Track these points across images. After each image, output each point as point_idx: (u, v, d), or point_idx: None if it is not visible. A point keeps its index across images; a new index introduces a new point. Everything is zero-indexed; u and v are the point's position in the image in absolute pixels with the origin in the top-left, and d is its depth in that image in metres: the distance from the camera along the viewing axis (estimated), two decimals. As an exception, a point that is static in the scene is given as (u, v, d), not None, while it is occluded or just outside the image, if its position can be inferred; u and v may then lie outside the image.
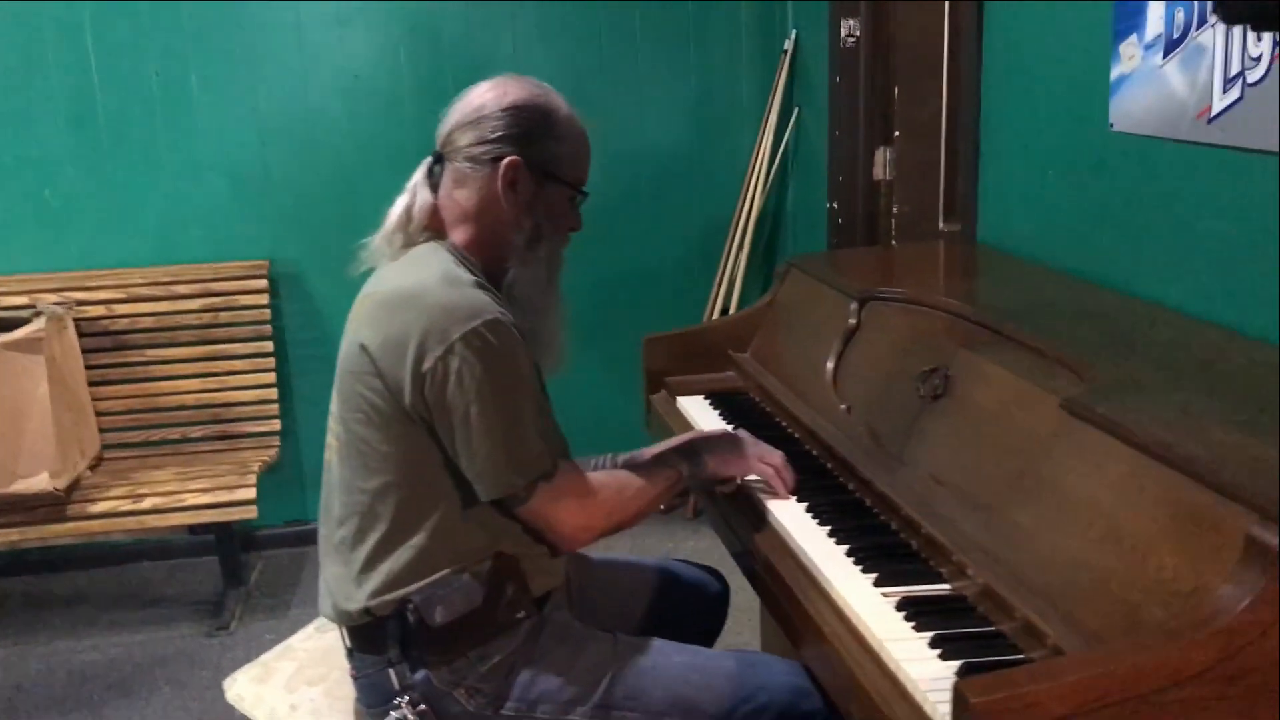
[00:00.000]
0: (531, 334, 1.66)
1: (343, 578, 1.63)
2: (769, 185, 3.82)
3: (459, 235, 1.68)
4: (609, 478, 1.72)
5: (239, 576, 3.53)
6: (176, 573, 3.77)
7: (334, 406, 1.65)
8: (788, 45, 3.72)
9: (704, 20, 3.85)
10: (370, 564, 1.60)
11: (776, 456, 1.83)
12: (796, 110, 3.75)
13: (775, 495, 1.80)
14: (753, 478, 1.85)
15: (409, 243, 1.68)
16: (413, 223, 1.68)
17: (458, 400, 1.52)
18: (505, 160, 1.63)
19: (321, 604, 1.70)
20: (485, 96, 1.66)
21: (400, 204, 1.70)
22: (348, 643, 1.67)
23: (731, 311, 3.74)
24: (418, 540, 1.58)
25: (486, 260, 1.68)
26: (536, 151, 1.66)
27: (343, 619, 1.64)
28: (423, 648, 1.58)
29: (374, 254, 1.71)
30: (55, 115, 3.49)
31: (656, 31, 3.81)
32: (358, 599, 1.60)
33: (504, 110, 1.64)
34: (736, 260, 3.84)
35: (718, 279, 3.89)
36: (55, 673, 3.14)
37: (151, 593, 3.65)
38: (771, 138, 3.78)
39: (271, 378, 3.60)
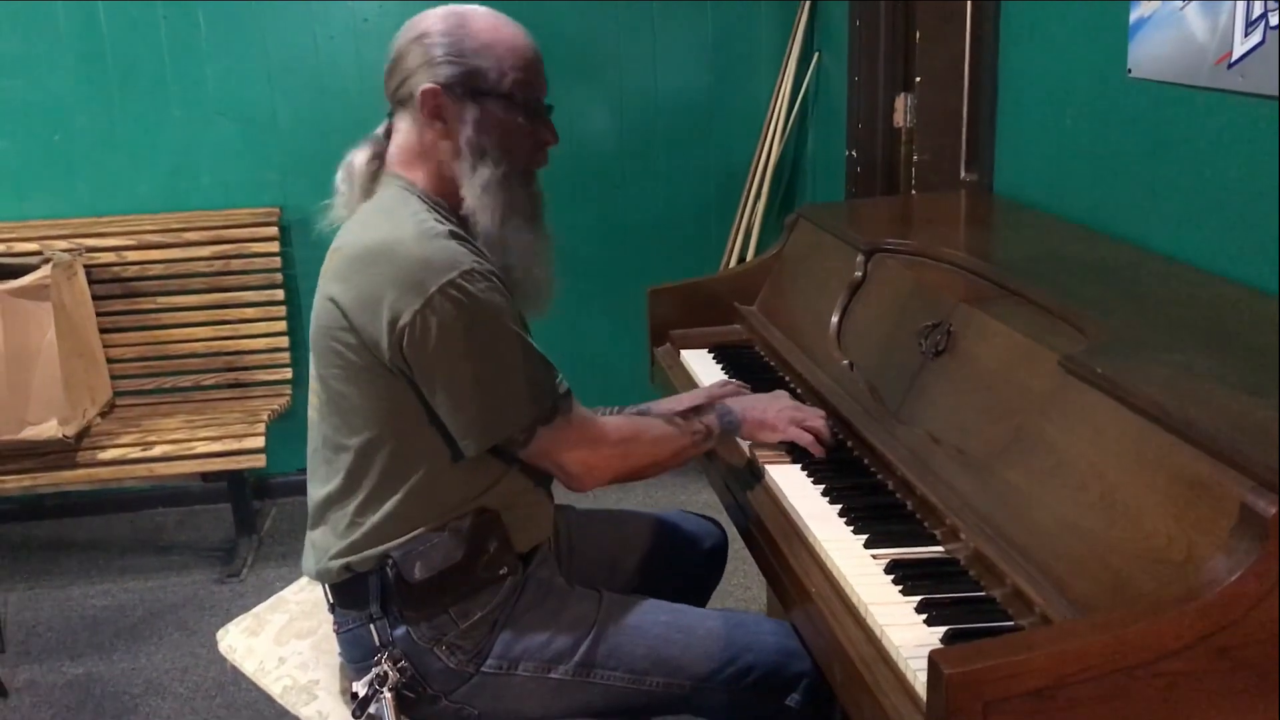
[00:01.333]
0: (507, 270, 1.59)
1: (326, 534, 1.61)
2: (788, 132, 3.74)
3: (419, 178, 1.61)
4: (624, 421, 1.67)
5: (251, 524, 3.54)
6: (190, 519, 3.80)
7: (311, 363, 1.62)
8: (808, -12, 3.62)
9: (721, -38, 3.75)
10: (353, 520, 1.57)
11: (818, 420, 1.76)
12: (817, 55, 3.66)
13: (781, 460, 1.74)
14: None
15: (364, 193, 1.64)
16: (360, 171, 1.65)
17: (441, 354, 1.47)
18: (419, 90, 1.56)
19: (305, 561, 1.68)
20: (401, 38, 1.61)
21: (352, 154, 1.67)
22: (330, 598, 1.65)
23: (748, 261, 3.67)
24: (400, 495, 1.55)
25: (449, 198, 1.61)
26: (452, 72, 1.56)
27: (323, 576, 1.62)
28: (402, 604, 1.56)
29: (340, 208, 1.67)
30: (64, 61, 3.46)
31: (673, -26, 3.72)
32: (338, 556, 1.58)
33: (412, 42, 1.58)
34: (754, 209, 3.77)
35: (735, 228, 3.82)
36: (69, 617, 3.17)
37: (165, 539, 3.67)
38: (791, 83, 3.69)
39: (282, 326, 3.58)
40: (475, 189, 1.58)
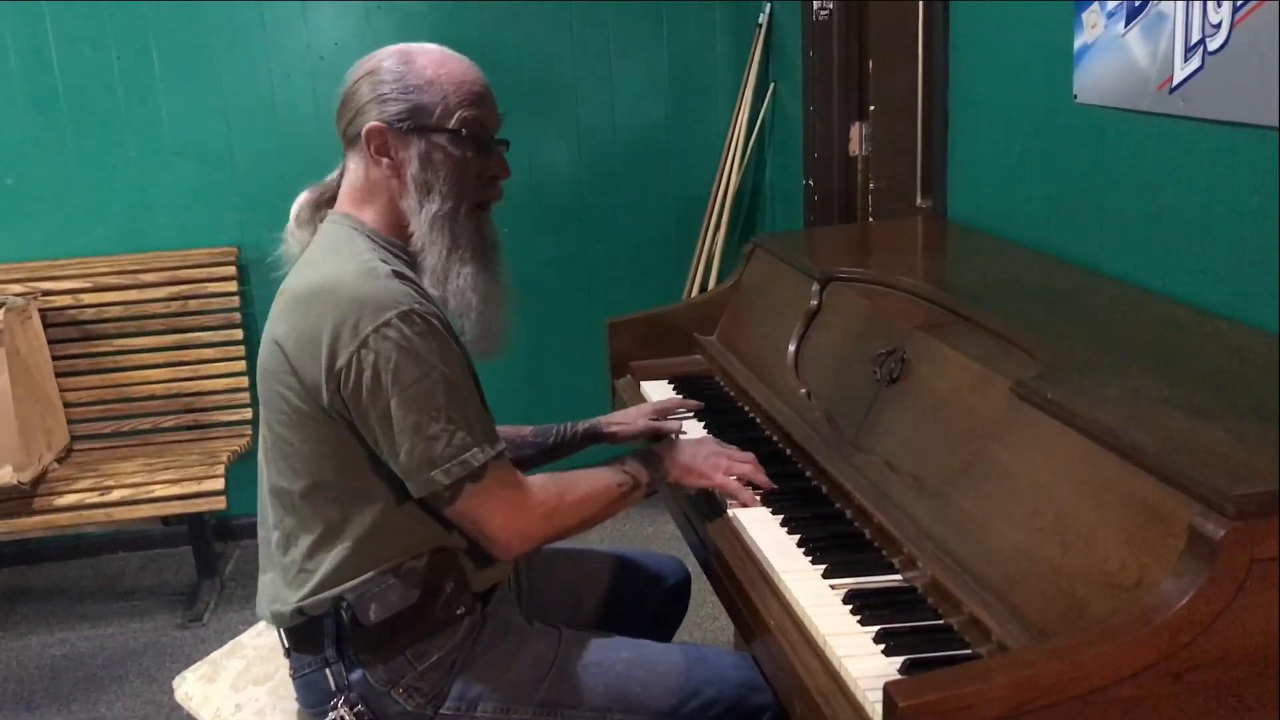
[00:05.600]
0: (460, 313, 1.58)
1: (276, 581, 1.59)
2: (746, 162, 3.75)
3: (368, 216, 1.60)
4: (551, 480, 1.59)
5: (213, 567, 3.49)
6: (151, 564, 3.74)
7: (259, 407, 1.60)
8: (762, 19, 3.65)
9: (676, -6, 3.78)
10: (303, 565, 1.55)
11: (747, 465, 1.72)
12: (773, 85, 3.69)
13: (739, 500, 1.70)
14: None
15: (313, 231, 1.64)
16: (314, 210, 1.65)
17: (375, 397, 1.45)
18: (364, 129, 1.56)
19: (259, 607, 1.65)
20: (350, 77, 1.60)
21: (304, 193, 1.67)
22: (285, 642, 1.63)
23: (707, 291, 3.68)
24: (350, 539, 1.53)
25: (397, 236, 1.60)
26: (397, 109, 1.55)
27: (278, 620, 1.59)
28: (358, 647, 1.53)
29: (291, 248, 1.66)
30: (16, 101, 3.43)
31: (627, 5, 3.73)
32: (291, 600, 1.55)
33: (357, 81, 1.58)
34: (714, 238, 3.78)
35: (695, 257, 3.83)
36: (26, 667, 3.11)
37: (126, 584, 3.62)
38: (748, 113, 3.71)
39: (242, 365, 3.55)
40: (423, 225, 1.56)
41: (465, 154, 1.59)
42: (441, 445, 1.47)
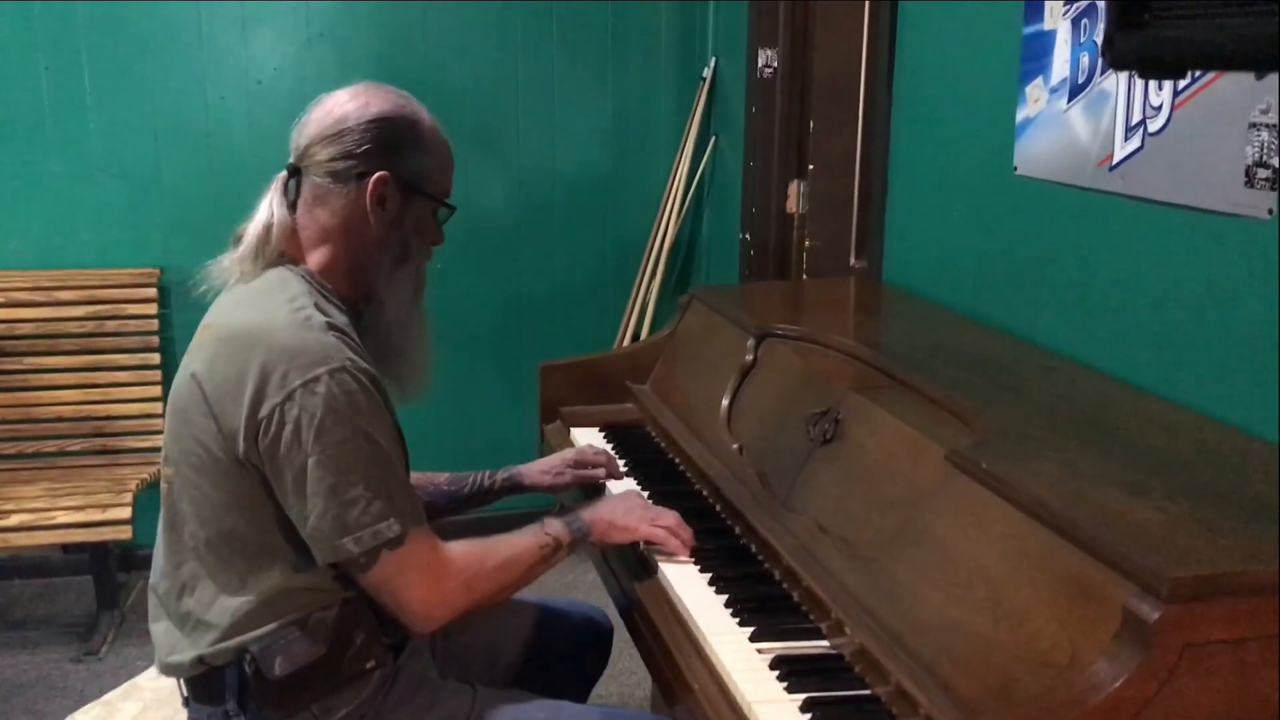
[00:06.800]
0: (398, 355, 1.56)
1: (171, 630, 1.51)
2: (684, 212, 3.76)
3: (316, 258, 1.56)
4: (469, 547, 1.52)
5: (114, 599, 3.35)
6: (48, 593, 3.58)
7: (166, 443, 1.53)
8: (707, 73, 3.67)
9: (622, 42, 3.78)
10: (201, 616, 1.48)
11: (669, 518, 1.68)
12: (714, 138, 3.70)
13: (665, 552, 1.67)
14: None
15: (266, 265, 1.54)
16: (271, 243, 1.54)
17: (293, 452, 1.39)
18: (374, 176, 1.53)
19: (157, 658, 1.57)
20: (346, 107, 1.55)
21: (259, 222, 1.55)
22: (184, 691, 1.55)
23: (641, 340, 3.66)
24: (253, 593, 1.46)
25: (346, 285, 1.57)
26: (403, 165, 1.55)
27: (174, 671, 1.52)
28: (261, 700, 1.46)
29: (223, 275, 1.57)
30: (-64, 108, 3.31)
31: (573, 50, 3.73)
32: (189, 650, 1.48)
33: (369, 122, 1.53)
34: (649, 287, 3.77)
35: (630, 305, 3.81)
36: (-95, 698, 2.95)
37: (19, 613, 3.45)
38: (688, 165, 3.72)
39: (157, 391, 3.43)
40: (393, 279, 1.57)
41: (437, 220, 1.63)
42: (356, 512, 1.41)
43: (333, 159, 1.53)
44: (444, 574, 1.48)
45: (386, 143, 1.53)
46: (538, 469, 1.98)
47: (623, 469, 2.05)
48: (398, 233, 1.57)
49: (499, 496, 1.98)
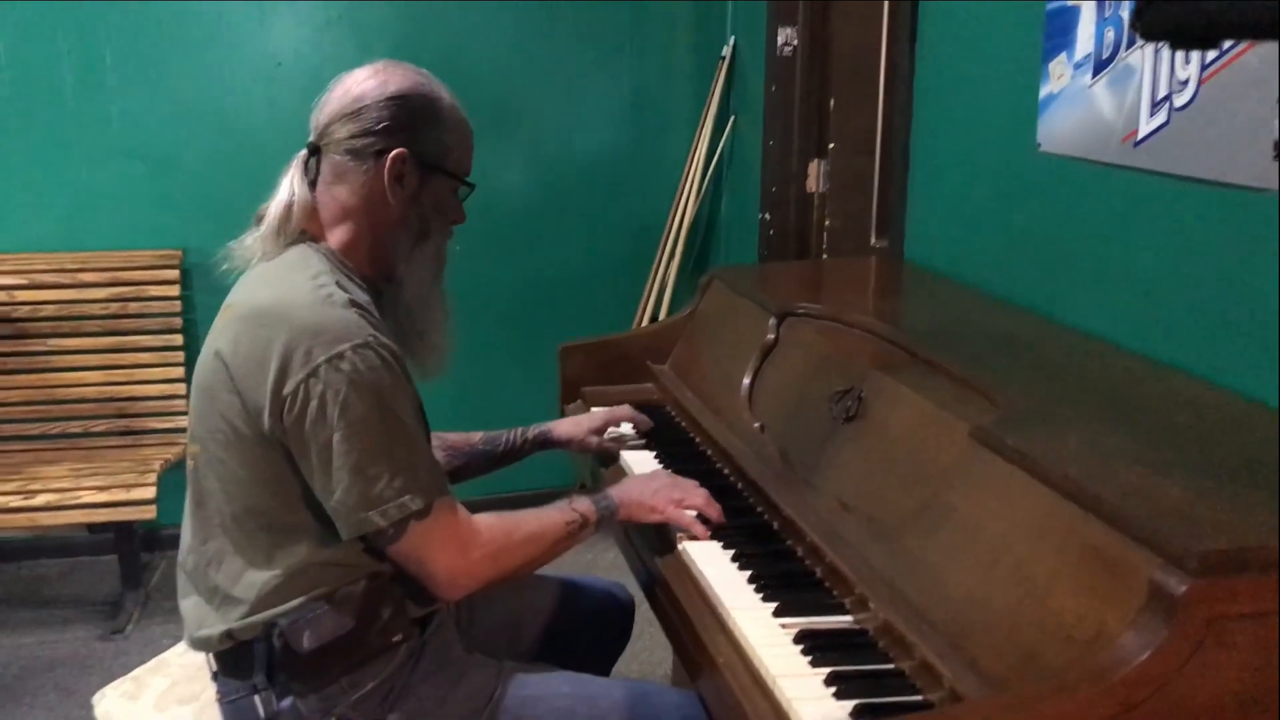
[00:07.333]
0: (419, 335, 1.57)
1: (200, 605, 1.53)
2: (703, 193, 3.75)
3: (337, 236, 1.57)
4: (496, 520, 1.54)
5: (138, 578, 3.38)
6: (75, 572, 3.62)
7: (191, 421, 1.54)
8: (725, 52, 3.66)
9: (640, 23, 3.77)
10: (229, 590, 1.49)
11: (698, 496, 1.68)
12: (733, 118, 3.69)
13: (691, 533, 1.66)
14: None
15: (288, 243, 1.55)
16: (292, 222, 1.55)
17: (319, 428, 1.40)
18: (392, 153, 1.53)
19: (186, 634, 1.58)
20: (365, 85, 1.55)
21: (280, 201, 1.56)
22: (212, 666, 1.57)
23: (661, 320, 3.66)
24: (281, 566, 1.47)
25: (366, 264, 1.58)
26: (422, 143, 1.56)
27: (203, 646, 1.53)
28: (290, 674, 1.47)
29: (245, 255, 1.58)
30: (-41, 92, 3.33)
31: (591, 31, 3.73)
32: (218, 624, 1.49)
33: (387, 100, 1.53)
34: (668, 268, 3.77)
35: (648, 286, 3.81)
36: (-64, 676, 2.99)
37: (47, 592, 3.49)
38: (707, 145, 3.71)
39: (180, 371, 3.46)
40: (413, 257, 1.58)
41: (457, 198, 1.63)
42: (380, 486, 1.42)
43: (352, 136, 1.54)
44: (470, 544, 1.50)
45: (405, 120, 1.54)
46: (569, 423, 2.04)
47: (644, 448, 2.05)
48: (417, 210, 1.57)
49: (530, 453, 2.03)
